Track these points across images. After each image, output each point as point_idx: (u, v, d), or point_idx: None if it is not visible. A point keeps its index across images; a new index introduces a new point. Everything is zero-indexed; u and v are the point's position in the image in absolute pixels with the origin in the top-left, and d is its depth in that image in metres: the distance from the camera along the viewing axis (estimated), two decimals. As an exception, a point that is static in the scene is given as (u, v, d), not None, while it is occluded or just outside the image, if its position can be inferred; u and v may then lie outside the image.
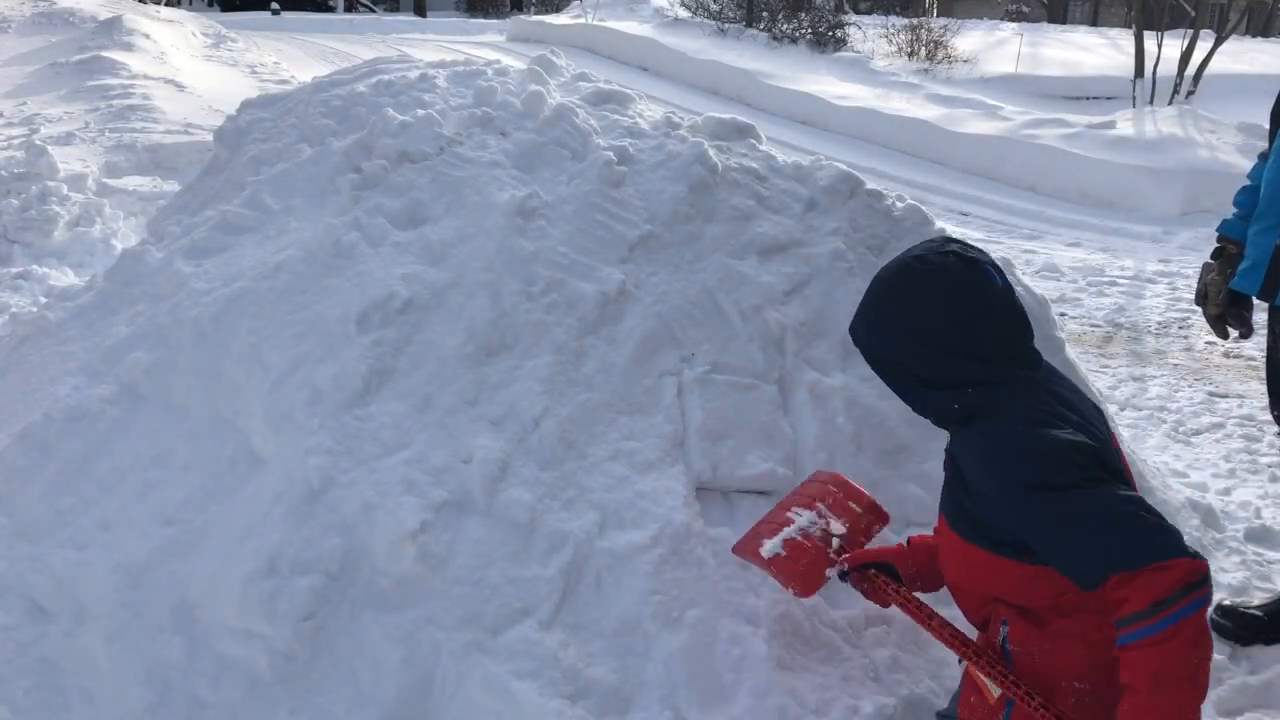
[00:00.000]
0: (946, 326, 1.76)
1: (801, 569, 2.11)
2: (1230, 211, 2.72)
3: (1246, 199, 2.65)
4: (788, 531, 2.17)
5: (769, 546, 2.15)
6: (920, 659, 2.45)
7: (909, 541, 2.17)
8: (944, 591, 2.08)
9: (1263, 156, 2.64)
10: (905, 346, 1.80)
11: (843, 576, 2.13)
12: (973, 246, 1.85)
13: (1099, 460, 1.69)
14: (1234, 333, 2.67)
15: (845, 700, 2.25)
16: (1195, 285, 2.76)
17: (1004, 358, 1.78)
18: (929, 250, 1.82)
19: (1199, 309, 2.76)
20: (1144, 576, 1.56)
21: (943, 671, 2.36)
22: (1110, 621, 1.64)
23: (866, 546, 2.21)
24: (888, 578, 2.08)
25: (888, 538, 2.57)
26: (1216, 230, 2.75)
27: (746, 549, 2.24)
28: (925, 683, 2.35)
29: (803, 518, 2.20)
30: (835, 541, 2.15)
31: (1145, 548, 1.58)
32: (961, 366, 1.77)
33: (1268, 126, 2.67)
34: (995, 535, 1.77)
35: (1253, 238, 2.52)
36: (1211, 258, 2.73)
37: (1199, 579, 1.56)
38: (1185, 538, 1.63)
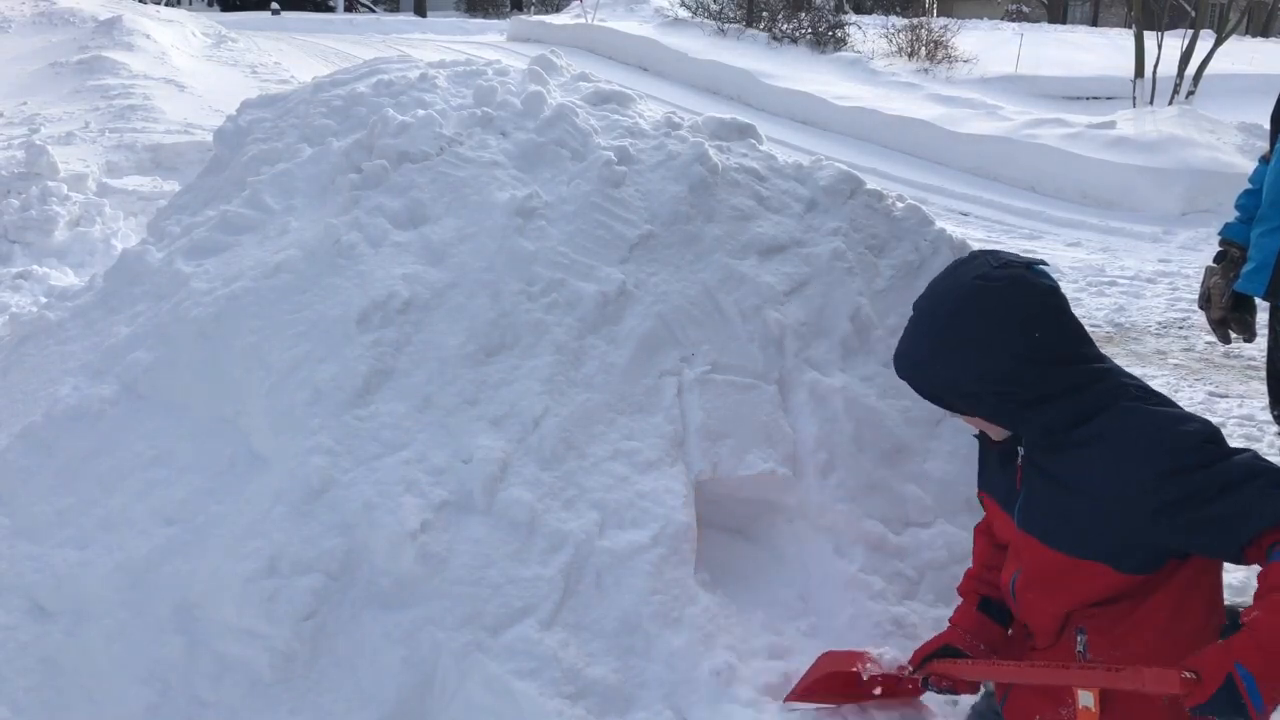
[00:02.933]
0: (1041, 337, 1.71)
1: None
2: (1232, 214, 2.72)
3: (1249, 202, 2.64)
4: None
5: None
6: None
7: (951, 622, 2.11)
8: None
9: (1264, 159, 2.63)
10: (1001, 372, 1.72)
11: (925, 685, 2.08)
12: (1022, 257, 1.80)
13: (1212, 429, 1.68)
14: (1236, 337, 2.66)
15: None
16: (1197, 286, 2.76)
17: (1092, 354, 1.76)
18: (986, 269, 1.77)
19: (1199, 309, 2.76)
20: None
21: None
22: (1187, 607, 1.69)
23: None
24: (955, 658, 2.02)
25: (886, 537, 2.58)
26: (1219, 234, 2.74)
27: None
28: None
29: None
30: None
31: None
32: (1065, 373, 1.72)
33: (1268, 128, 2.67)
34: (1110, 544, 1.72)
35: (1256, 240, 2.51)
36: (1214, 261, 2.72)
37: None
38: None
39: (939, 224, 3.26)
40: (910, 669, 2.10)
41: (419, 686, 2.11)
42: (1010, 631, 2.07)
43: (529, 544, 2.27)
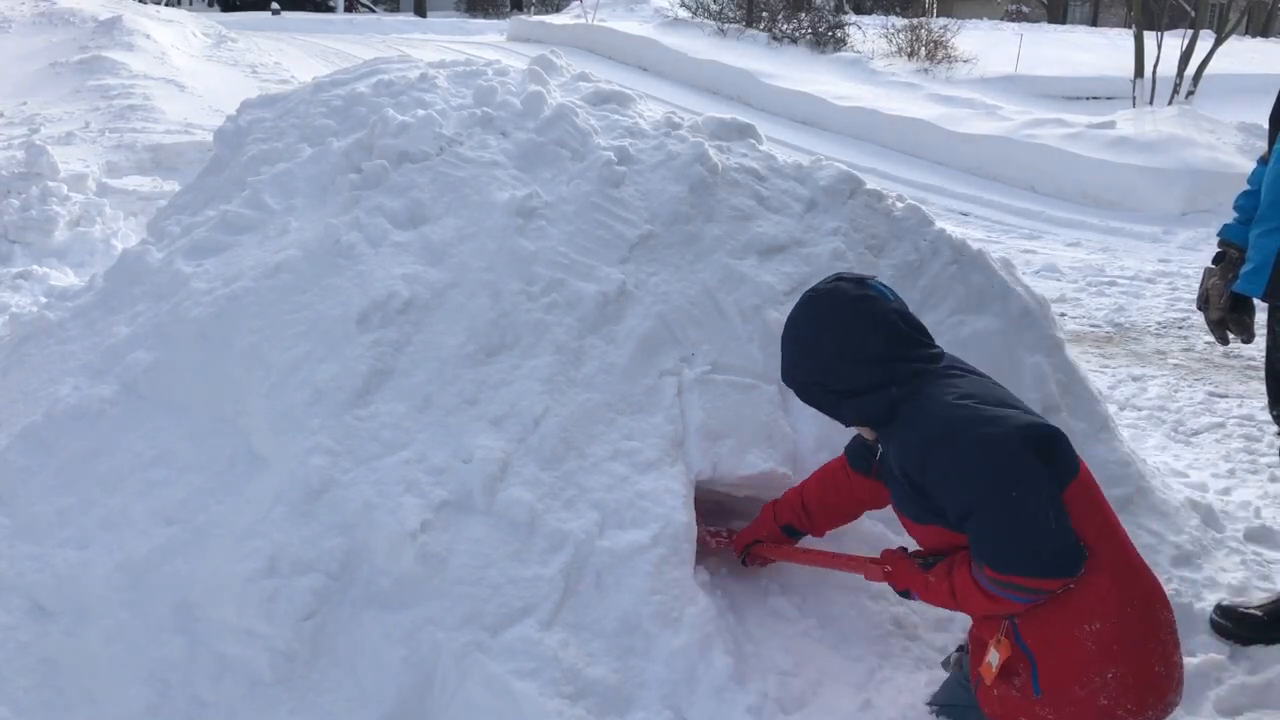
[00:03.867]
0: (845, 339, 2.04)
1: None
2: (1230, 215, 2.72)
3: (1247, 203, 2.63)
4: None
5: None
6: (931, 673, 2.45)
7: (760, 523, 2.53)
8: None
9: (1263, 160, 2.63)
10: (819, 367, 2.09)
11: (744, 563, 2.57)
12: (863, 275, 2.15)
13: (1004, 430, 1.90)
14: (1234, 338, 2.66)
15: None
16: (1196, 286, 2.76)
17: (900, 358, 2.03)
18: (821, 282, 2.16)
19: (1198, 309, 2.76)
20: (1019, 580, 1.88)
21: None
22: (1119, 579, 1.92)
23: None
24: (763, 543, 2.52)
25: (886, 536, 2.58)
26: (1218, 235, 2.74)
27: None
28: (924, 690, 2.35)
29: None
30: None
31: (1035, 565, 1.86)
32: (866, 371, 2.03)
33: (1267, 128, 2.67)
34: (940, 511, 1.99)
35: (1255, 240, 2.51)
36: (1213, 262, 2.71)
37: (1049, 591, 1.88)
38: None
39: (939, 224, 3.26)
40: (725, 540, 2.61)
41: (419, 686, 2.11)
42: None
43: (529, 544, 2.27)
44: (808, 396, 2.17)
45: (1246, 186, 2.67)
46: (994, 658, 1.98)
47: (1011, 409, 1.99)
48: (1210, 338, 2.93)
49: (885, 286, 2.13)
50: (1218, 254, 2.71)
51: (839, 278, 2.14)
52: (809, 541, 2.51)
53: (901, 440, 2.02)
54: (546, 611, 2.19)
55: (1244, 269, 2.53)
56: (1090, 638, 1.89)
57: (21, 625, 2.25)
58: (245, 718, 2.08)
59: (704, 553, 2.52)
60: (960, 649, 2.25)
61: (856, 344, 2.04)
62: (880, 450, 2.15)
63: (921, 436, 1.97)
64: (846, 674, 2.36)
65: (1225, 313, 2.62)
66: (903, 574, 2.16)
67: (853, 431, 2.28)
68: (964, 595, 1.99)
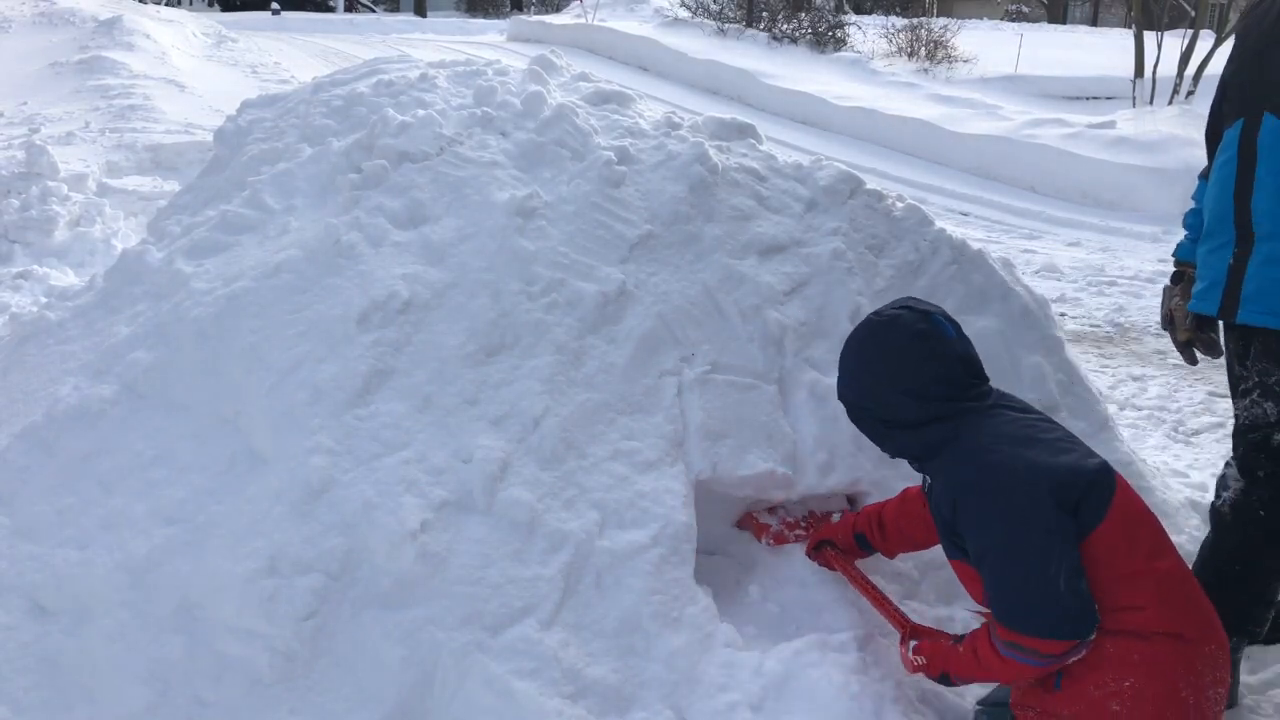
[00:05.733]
0: (897, 369, 2.03)
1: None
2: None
3: (1196, 220, 2.56)
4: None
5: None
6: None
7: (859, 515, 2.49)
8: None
9: (1203, 176, 2.57)
10: (867, 391, 2.09)
11: (809, 555, 2.53)
12: (929, 303, 2.13)
13: (1033, 495, 1.89)
14: (1202, 357, 2.56)
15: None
16: (1159, 309, 2.67)
17: (948, 397, 2.02)
18: (888, 305, 2.14)
19: (1164, 330, 2.66)
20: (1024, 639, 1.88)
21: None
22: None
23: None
24: (834, 549, 2.49)
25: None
26: (1173, 255, 2.69)
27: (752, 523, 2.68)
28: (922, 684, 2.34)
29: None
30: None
31: (1038, 624, 1.85)
32: (914, 405, 2.02)
33: (1205, 145, 2.57)
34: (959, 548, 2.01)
35: (1204, 258, 2.42)
36: (1171, 282, 2.65)
37: (1056, 656, 1.87)
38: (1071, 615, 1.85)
39: (939, 224, 3.26)
40: (803, 531, 2.61)
41: (419, 686, 2.11)
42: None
43: (529, 544, 2.27)
44: (855, 417, 2.18)
45: (1191, 204, 2.61)
46: None
47: (1055, 453, 1.95)
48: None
49: (950, 321, 2.10)
50: (1175, 273, 2.65)
51: (906, 305, 2.11)
52: (878, 563, 2.49)
53: (938, 478, 2.03)
54: (546, 611, 2.19)
55: (1195, 288, 2.44)
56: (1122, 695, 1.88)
57: (21, 625, 2.25)
58: (245, 717, 2.08)
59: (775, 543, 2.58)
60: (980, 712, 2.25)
61: (908, 376, 2.02)
62: (928, 482, 2.14)
63: (953, 479, 1.98)
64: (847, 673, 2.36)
65: (1192, 331, 2.53)
66: (937, 658, 2.10)
67: None
68: (984, 658, 1.97)
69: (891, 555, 2.45)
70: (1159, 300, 2.84)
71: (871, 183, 3.30)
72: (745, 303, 2.80)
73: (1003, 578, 1.87)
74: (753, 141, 3.39)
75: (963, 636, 2.07)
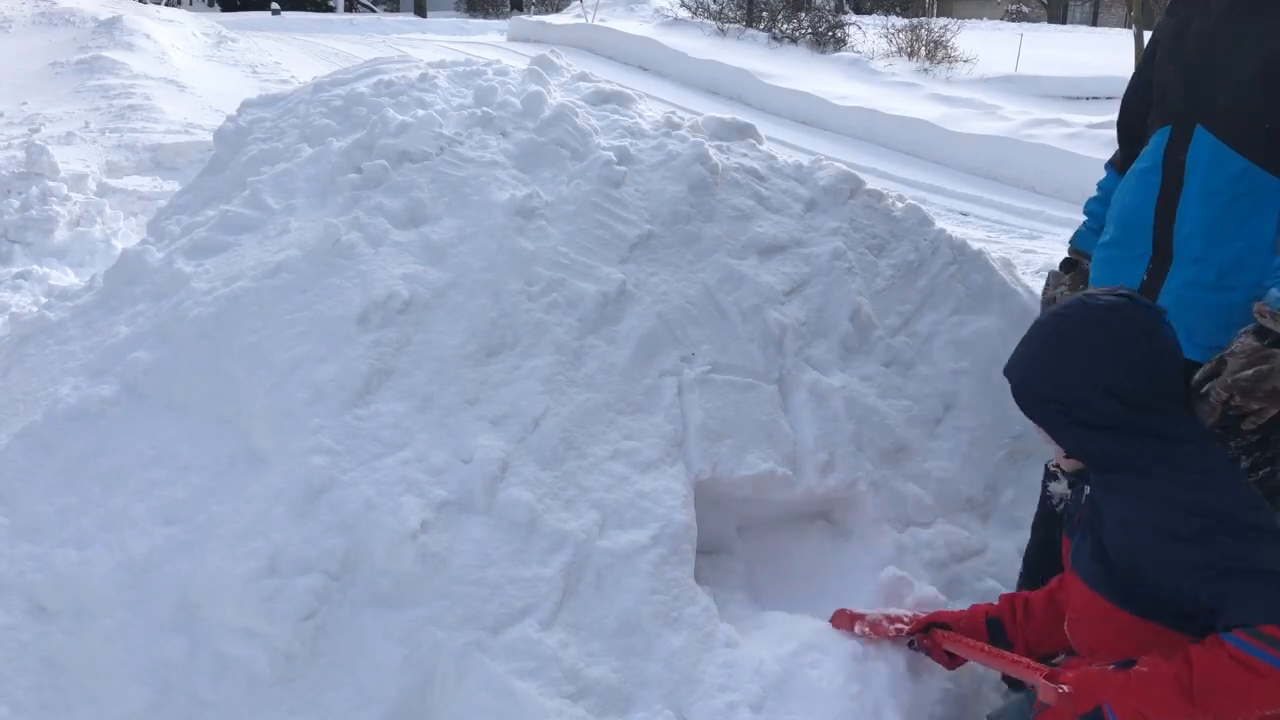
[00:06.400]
0: (1116, 364, 1.73)
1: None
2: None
3: (1099, 210, 2.40)
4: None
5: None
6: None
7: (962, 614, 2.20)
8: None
9: (1112, 164, 2.44)
10: (1068, 385, 1.77)
11: (913, 645, 2.24)
12: (1151, 302, 1.83)
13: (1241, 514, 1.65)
14: None
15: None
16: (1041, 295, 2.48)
17: (1154, 409, 1.74)
18: (1100, 292, 1.82)
19: None
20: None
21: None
22: None
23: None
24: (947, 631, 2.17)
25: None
26: (1069, 242, 2.54)
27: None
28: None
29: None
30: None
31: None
32: (1115, 409, 1.73)
33: (1116, 135, 2.46)
34: (1142, 594, 1.70)
35: (1110, 262, 2.25)
36: (1061, 269, 2.50)
37: None
38: None
39: (939, 224, 3.26)
40: (904, 624, 2.26)
41: (419, 686, 2.11)
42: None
43: (529, 544, 2.27)
44: (1032, 408, 1.84)
45: (1096, 193, 2.47)
46: None
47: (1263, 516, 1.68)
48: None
49: (1169, 322, 1.80)
50: (1067, 260, 2.50)
51: (1129, 297, 1.79)
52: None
53: (1123, 505, 1.73)
54: (546, 611, 2.19)
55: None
56: None
57: (21, 625, 2.25)
58: (245, 717, 2.08)
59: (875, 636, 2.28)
60: None
61: (1123, 373, 1.73)
62: (1087, 490, 1.85)
63: (1145, 521, 1.68)
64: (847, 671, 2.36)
65: None
66: (1090, 686, 1.68)
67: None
68: (1212, 679, 1.57)
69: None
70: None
71: (871, 183, 3.31)
72: (745, 303, 2.80)
73: (1230, 581, 1.59)
74: (753, 141, 3.39)
75: (1128, 662, 1.68)
